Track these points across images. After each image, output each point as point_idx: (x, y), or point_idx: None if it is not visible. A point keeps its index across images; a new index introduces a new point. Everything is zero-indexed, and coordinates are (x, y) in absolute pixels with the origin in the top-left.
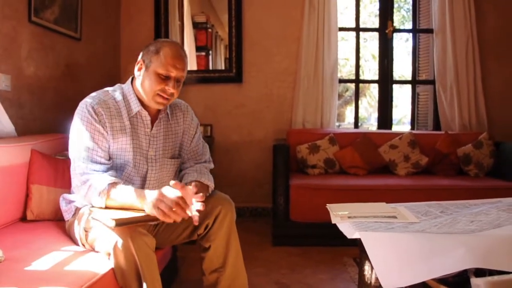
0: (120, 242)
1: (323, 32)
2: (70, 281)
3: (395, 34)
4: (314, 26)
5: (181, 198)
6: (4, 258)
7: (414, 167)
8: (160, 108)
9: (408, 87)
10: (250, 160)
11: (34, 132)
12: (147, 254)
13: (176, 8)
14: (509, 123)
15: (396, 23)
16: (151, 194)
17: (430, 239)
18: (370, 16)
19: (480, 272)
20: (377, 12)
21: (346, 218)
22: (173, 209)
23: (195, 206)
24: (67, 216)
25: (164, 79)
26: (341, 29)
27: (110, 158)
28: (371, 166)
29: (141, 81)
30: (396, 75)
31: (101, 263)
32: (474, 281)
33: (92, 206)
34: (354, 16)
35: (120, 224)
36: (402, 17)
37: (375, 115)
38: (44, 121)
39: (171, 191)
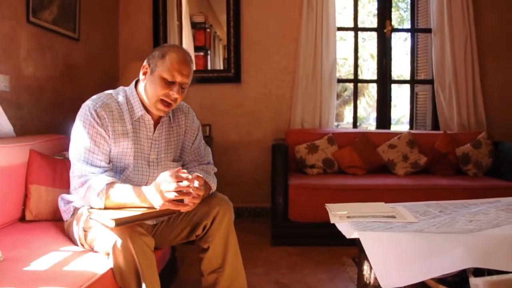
0: (119, 242)
1: (321, 31)
2: (69, 281)
3: (393, 34)
4: (312, 26)
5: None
6: (3, 258)
7: (413, 166)
8: (161, 114)
9: (407, 86)
10: (248, 160)
11: (33, 132)
12: (146, 254)
13: (174, 8)
14: (508, 123)
15: (395, 23)
16: (150, 192)
17: (428, 238)
18: (369, 16)
19: (479, 272)
20: (376, 12)
21: (345, 218)
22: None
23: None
24: (65, 216)
25: (169, 84)
26: (340, 28)
27: (110, 162)
28: (369, 166)
29: (145, 85)
30: (395, 75)
31: (100, 263)
32: (473, 280)
33: (91, 208)
34: (352, 16)
35: (120, 223)
36: (400, 16)
37: (373, 114)
38: (43, 121)
39: (161, 179)
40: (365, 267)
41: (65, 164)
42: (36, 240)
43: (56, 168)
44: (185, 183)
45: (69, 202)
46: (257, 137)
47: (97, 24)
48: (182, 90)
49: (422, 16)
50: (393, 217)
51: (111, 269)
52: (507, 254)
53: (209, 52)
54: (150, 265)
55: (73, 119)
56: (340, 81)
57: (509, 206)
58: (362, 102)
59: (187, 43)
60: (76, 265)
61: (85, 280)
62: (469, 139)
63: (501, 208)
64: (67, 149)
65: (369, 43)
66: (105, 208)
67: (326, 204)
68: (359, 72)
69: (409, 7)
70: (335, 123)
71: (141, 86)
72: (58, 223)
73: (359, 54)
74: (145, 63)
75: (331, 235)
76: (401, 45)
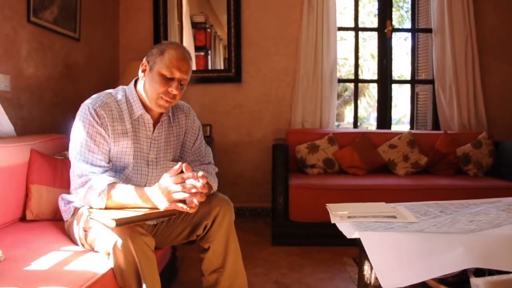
0: (119, 242)
1: (322, 31)
2: (70, 281)
3: (394, 34)
4: (313, 26)
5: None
6: (3, 258)
7: (413, 166)
8: (162, 112)
9: (407, 86)
10: (249, 160)
11: (34, 132)
12: (147, 254)
13: (175, 8)
14: (508, 123)
15: (395, 23)
16: (155, 193)
17: (429, 238)
18: (369, 16)
19: (479, 272)
20: (376, 12)
21: (346, 218)
22: (187, 190)
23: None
24: (66, 216)
25: (168, 80)
26: (340, 28)
27: (110, 161)
28: (370, 166)
29: (144, 82)
30: (395, 75)
31: (100, 263)
32: (474, 281)
33: (91, 208)
34: (353, 16)
35: (121, 224)
36: (401, 16)
37: (374, 114)
38: (43, 121)
39: (167, 180)
40: (366, 267)
41: (66, 163)
42: (37, 240)
43: (56, 167)
44: (190, 181)
45: (69, 202)
46: (258, 137)
47: (97, 24)
48: (181, 86)
49: (423, 16)
50: (394, 217)
51: (112, 269)
52: (507, 254)
53: (209, 52)
54: (150, 265)
55: (73, 118)
56: (341, 81)
57: (510, 206)
58: (362, 102)
59: (188, 43)
60: (76, 265)
61: (86, 280)
62: (470, 139)
63: (502, 208)
64: (67, 149)
65: (370, 43)
66: (106, 208)
67: (326, 204)
68: (359, 72)
69: (409, 7)
70: (336, 123)
71: (140, 84)
72: (58, 223)
73: (359, 54)
74: (144, 60)
75: (332, 235)
76: (401, 45)
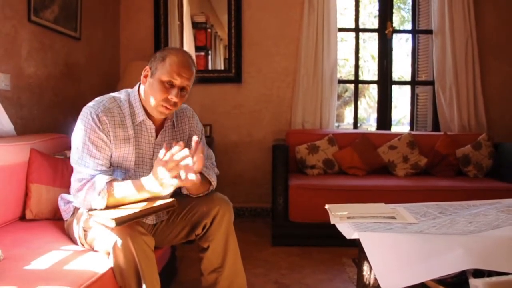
0: (119, 241)
1: (322, 32)
2: (69, 280)
3: (394, 35)
4: (313, 27)
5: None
6: (3, 257)
7: (413, 168)
8: (163, 117)
9: (408, 88)
10: (249, 160)
11: (34, 131)
12: (146, 254)
13: (175, 8)
14: (508, 124)
15: (396, 24)
16: (151, 182)
17: (428, 239)
18: (370, 17)
19: (478, 273)
20: (377, 13)
21: (345, 219)
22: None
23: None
24: (65, 215)
25: (168, 87)
26: (341, 29)
27: (110, 166)
28: (370, 167)
29: (146, 88)
30: (396, 76)
31: (100, 263)
32: (473, 282)
33: (90, 210)
34: (353, 17)
35: (120, 222)
36: (401, 17)
37: (374, 115)
38: (44, 120)
39: (157, 163)
40: (365, 268)
41: (66, 163)
42: (37, 239)
43: (56, 167)
44: (179, 155)
45: (69, 201)
46: (258, 137)
47: (98, 23)
48: (182, 93)
49: (423, 17)
50: (393, 218)
51: (111, 268)
52: (507, 255)
53: (210, 52)
54: (150, 264)
55: (73, 118)
56: (341, 82)
57: (509, 207)
58: (362, 103)
59: (188, 43)
60: (76, 265)
61: (85, 280)
62: (470, 141)
63: (501, 210)
64: (67, 148)
65: (370, 44)
66: (106, 208)
67: (326, 205)
68: (359, 73)
69: (410, 8)
70: (336, 124)
71: (141, 89)
72: (58, 222)
73: (360, 55)
74: (147, 66)
75: (331, 236)
76: (402, 46)
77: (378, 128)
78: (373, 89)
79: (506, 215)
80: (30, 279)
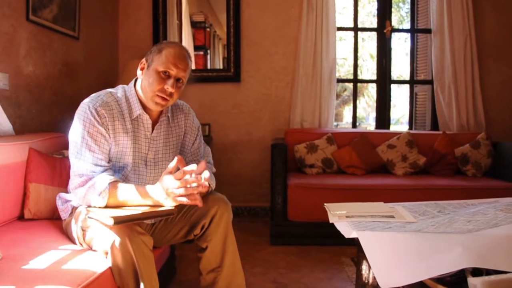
0: (117, 241)
1: (321, 31)
2: (68, 279)
3: (393, 34)
4: (312, 26)
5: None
6: (1, 256)
7: (412, 167)
8: (159, 109)
9: (406, 87)
10: (248, 159)
11: (32, 130)
12: (145, 253)
13: (174, 7)
14: (507, 123)
15: (395, 23)
16: (157, 191)
17: (427, 238)
18: (369, 16)
19: (477, 272)
20: (376, 12)
21: (344, 218)
22: (188, 186)
23: (203, 174)
24: (64, 215)
25: (164, 78)
26: (339, 28)
27: (109, 161)
28: (369, 166)
29: (142, 80)
30: (394, 75)
31: (98, 262)
32: (471, 280)
33: (89, 207)
34: (352, 16)
35: (119, 222)
36: (400, 17)
37: (373, 114)
38: (42, 119)
39: (168, 177)
40: (364, 267)
41: (64, 162)
42: (35, 239)
43: (55, 166)
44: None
45: (67, 201)
46: (257, 136)
47: (96, 22)
48: (178, 84)
49: (422, 17)
50: (392, 217)
51: (110, 268)
52: (505, 254)
53: (208, 51)
54: (148, 264)
55: (72, 117)
56: (340, 81)
57: (508, 206)
58: (361, 102)
59: (187, 42)
60: (74, 264)
61: (84, 279)
62: (468, 140)
63: (500, 209)
64: (66, 148)
65: (369, 43)
66: (106, 207)
67: (325, 204)
68: (358, 72)
69: (409, 7)
70: (335, 123)
71: (138, 83)
72: (57, 221)
73: (358, 54)
74: (143, 59)
75: (330, 235)
76: (401, 45)
77: (377, 127)
78: (372, 88)
79: (504, 214)
80: (28, 279)
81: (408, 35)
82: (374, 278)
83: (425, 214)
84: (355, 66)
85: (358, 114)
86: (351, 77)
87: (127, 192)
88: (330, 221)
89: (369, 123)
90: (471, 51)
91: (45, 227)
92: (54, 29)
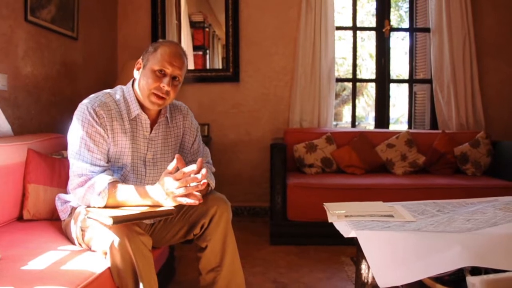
0: (116, 241)
1: (320, 31)
2: (67, 280)
3: (392, 33)
4: (311, 25)
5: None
6: (0, 257)
7: (411, 166)
8: (156, 109)
9: (405, 86)
10: (247, 159)
11: (31, 131)
12: (144, 254)
13: (173, 7)
14: (506, 122)
15: (393, 22)
16: (156, 191)
17: (426, 237)
18: (367, 15)
19: (476, 271)
20: (374, 11)
21: (343, 217)
22: (188, 186)
23: (201, 172)
24: (63, 215)
25: (160, 76)
26: (338, 28)
27: (108, 161)
28: (368, 165)
29: (139, 80)
30: (393, 74)
31: (97, 263)
32: (470, 279)
33: (88, 207)
34: (351, 15)
35: (118, 221)
36: (399, 16)
37: (372, 114)
38: (41, 120)
39: (168, 178)
40: (363, 266)
41: (63, 163)
42: (34, 239)
43: (54, 167)
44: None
45: (66, 201)
46: (256, 136)
47: (95, 23)
48: (174, 83)
49: (421, 16)
50: (391, 216)
51: (109, 268)
52: (504, 253)
53: (207, 51)
54: (147, 264)
55: (71, 118)
56: (339, 80)
57: (507, 205)
58: (360, 102)
59: (186, 42)
60: (73, 265)
61: (83, 280)
62: (468, 139)
63: (499, 208)
64: (65, 148)
65: (368, 42)
66: (105, 207)
67: (324, 203)
68: (357, 72)
69: (408, 6)
70: (334, 123)
71: (135, 83)
72: (55, 222)
73: (357, 54)
74: (139, 59)
75: (329, 235)
76: (400, 44)
77: (376, 126)
78: (371, 88)
79: (503, 213)
80: (27, 279)
81: (407, 34)
82: (373, 277)
83: (424, 213)
84: (354, 65)
85: (357, 114)
86: (350, 76)
87: (127, 192)
88: (329, 221)
89: (368, 123)
90: (470, 50)
91: (44, 227)
92: (52, 29)
